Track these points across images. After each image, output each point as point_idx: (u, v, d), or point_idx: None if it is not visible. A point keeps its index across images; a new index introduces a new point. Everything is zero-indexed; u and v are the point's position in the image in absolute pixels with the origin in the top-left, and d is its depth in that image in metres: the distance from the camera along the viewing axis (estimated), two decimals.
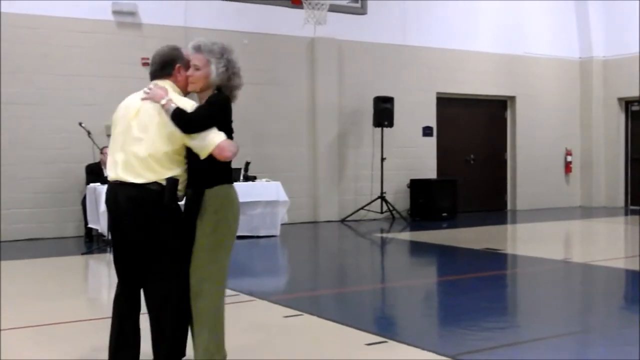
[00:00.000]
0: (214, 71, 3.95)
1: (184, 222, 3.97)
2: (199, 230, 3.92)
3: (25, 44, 11.29)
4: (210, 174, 3.94)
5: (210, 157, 3.87)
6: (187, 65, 4.01)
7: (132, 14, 12.06)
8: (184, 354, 4.01)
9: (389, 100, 13.85)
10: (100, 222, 9.92)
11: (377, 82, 14.20)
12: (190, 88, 4.03)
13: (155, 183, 3.82)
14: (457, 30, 15.28)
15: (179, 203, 3.98)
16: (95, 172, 10.65)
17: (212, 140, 3.85)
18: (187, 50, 4.04)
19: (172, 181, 3.84)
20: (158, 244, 3.89)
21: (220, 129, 3.89)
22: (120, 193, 3.88)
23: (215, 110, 3.90)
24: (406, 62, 14.71)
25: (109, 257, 9.33)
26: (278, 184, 11.40)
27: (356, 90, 14.08)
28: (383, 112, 13.76)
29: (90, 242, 10.78)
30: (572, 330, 5.49)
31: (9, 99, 11.14)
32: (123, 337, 4.01)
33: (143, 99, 3.95)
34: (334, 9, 12.77)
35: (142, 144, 3.86)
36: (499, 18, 15.85)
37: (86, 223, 10.90)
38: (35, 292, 7.14)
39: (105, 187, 4.19)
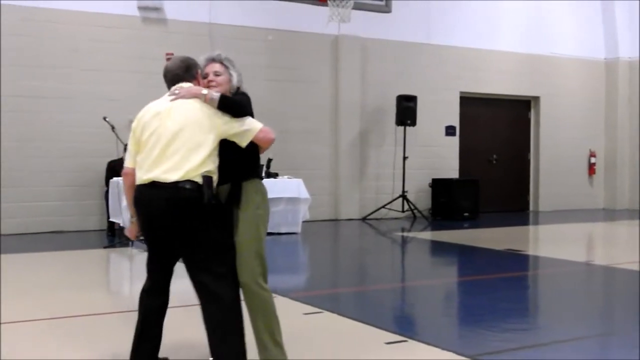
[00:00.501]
0: (234, 76, 4.17)
1: (224, 218, 3.97)
2: (242, 225, 3.97)
3: (50, 39, 11.38)
4: (245, 168, 4.05)
5: (245, 150, 3.95)
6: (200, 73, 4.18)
7: (158, 9, 12.12)
8: (245, 356, 3.91)
9: (412, 99, 13.81)
10: (122, 216, 9.97)
11: (400, 81, 14.16)
12: None
13: (189, 182, 3.78)
14: (481, 29, 15.19)
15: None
16: (115, 170, 10.55)
17: (254, 125, 3.97)
18: (199, 62, 4.21)
19: (208, 178, 3.81)
20: (203, 242, 3.85)
21: None
22: (154, 194, 3.82)
23: (249, 100, 4.10)
24: (430, 61, 14.66)
25: (131, 251, 9.42)
26: (300, 181, 11.41)
27: (379, 88, 14.05)
28: (406, 110, 13.72)
29: (113, 235, 10.84)
30: (594, 333, 5.45)
31: (35, 93, 11.24)
32: (146, 330, 4.04)
33: (174, 99, 3.96)
34: (358, 6, 12.79)
35: (180, 140, 3.83)
36: (523, 17, 15.74)
37: (108, 217, 10.97)
38: (57, 284, 7.20)
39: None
